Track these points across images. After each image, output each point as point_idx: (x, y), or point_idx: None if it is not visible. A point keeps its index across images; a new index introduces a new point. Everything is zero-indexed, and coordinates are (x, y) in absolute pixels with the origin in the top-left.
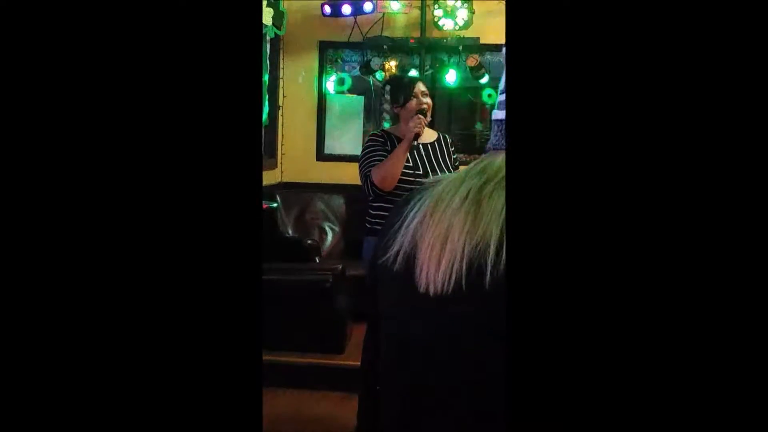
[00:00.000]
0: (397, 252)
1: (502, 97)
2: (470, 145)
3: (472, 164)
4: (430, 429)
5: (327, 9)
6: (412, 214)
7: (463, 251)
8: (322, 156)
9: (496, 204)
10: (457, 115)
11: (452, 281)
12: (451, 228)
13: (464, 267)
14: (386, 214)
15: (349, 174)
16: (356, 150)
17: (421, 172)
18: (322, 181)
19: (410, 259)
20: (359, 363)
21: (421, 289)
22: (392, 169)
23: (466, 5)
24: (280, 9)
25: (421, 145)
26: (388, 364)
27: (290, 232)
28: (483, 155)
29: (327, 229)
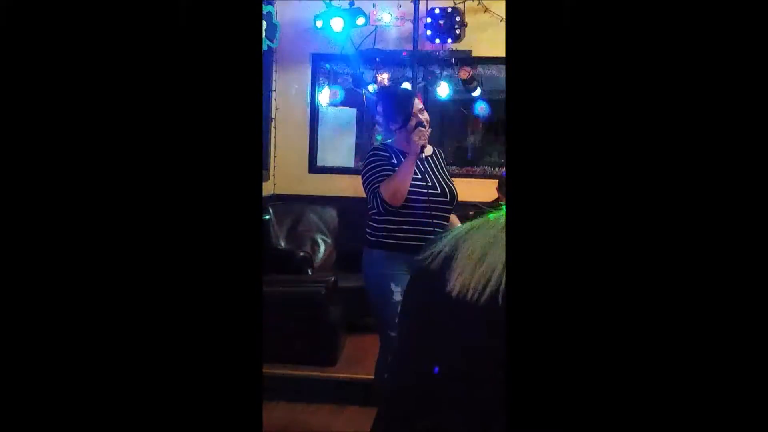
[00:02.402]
0: (438, 252)
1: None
2: (462, 158)
3: None
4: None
5: (319, 22)
6: (454, 230)
7: (503, 267)
8: (314, 168)
9: None
10: (449, 128)
11: (486, 292)
12: (493, 243)
13: (502, 282)
14: (393, 227)
15: (342, 186)
16: (349, 163)
17: (429, 183)
18: (315, 194)
19: (447, 261)
20: (352, 375)
21: (448, 288)
22: (402, 184)
23: (457, 18)
24: (273, 22)
25: (424, 157)
26: (401, 358)
27: (283, 244)
28: None
29: (319, 241)
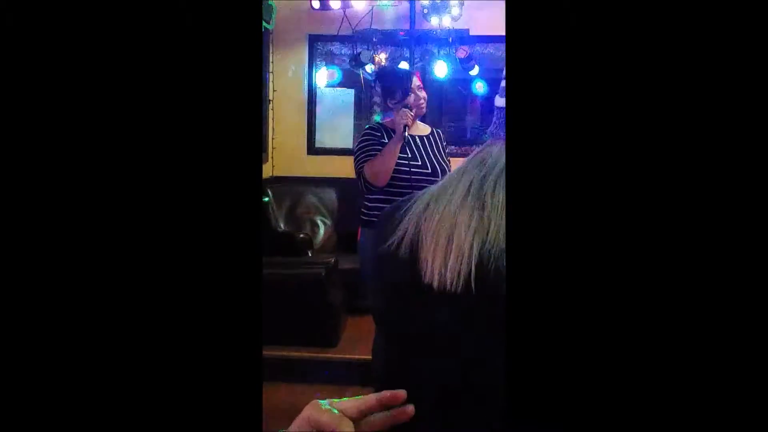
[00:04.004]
0: (402, 238)
1: (505, 83)
2: (461, 137)
3: (472, 154)
4: (428, 424)
5: (316, 3)
6: (415, 204)
7: (471, 250)
8: (313, 150)
9: (499, 201)
10: (447, 107)
11: (461, 279)
12: (456, 223)
13: (473, 267)
14: (384, 205)
15: (341, 167)
16: (347, 143)
17: (419, 163)
18: (314, 175)
19: (414, 246)
20: (353, 356)
21: (426, 280)
22: (384, 164)
23: None
24: (269, 3)
25: (417, 137)
26: (388, 355)
27: (282, 226)
28: (483, 145)
29: (319, 222)
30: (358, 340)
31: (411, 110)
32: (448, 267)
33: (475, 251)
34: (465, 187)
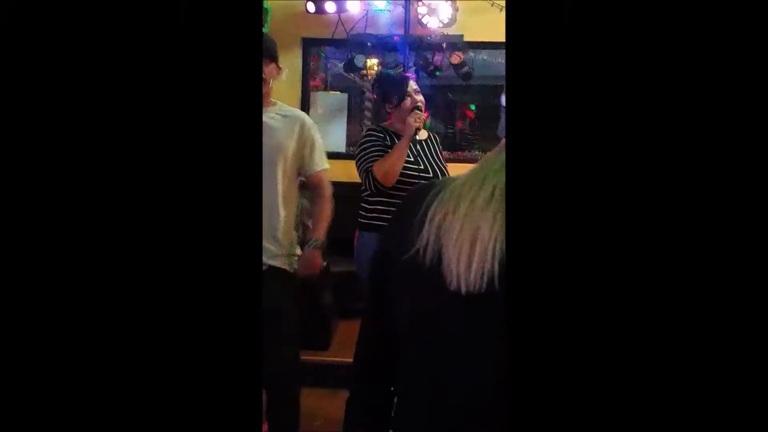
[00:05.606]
0: (425, 247)
1: None
2: (452, 143)
3: (490, 155)
4: (453, 422)
5: (311, 6)
6: (432, 209)
7: (494, 251)
8: None
9: None
10: (439, 113)
11: (485, 280)
12: (479, 228)
13: (496, 267)
14: (384, 208)
15: (333, 171)
16: (340, 147)
17: (421, 167)
18: None
19: (437, 256)
20: (344, 359)
21: (452, 287)
22: (395, 164)
23: (449, 2)
24: (264, 6)
25: (419, 141)
26: (411, 360)
27: None
28: (501, 145)
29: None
30: (349, 343)
31: (422, 112)
32: (472, 270)
33: (498, 252)
34: (488, 194)
